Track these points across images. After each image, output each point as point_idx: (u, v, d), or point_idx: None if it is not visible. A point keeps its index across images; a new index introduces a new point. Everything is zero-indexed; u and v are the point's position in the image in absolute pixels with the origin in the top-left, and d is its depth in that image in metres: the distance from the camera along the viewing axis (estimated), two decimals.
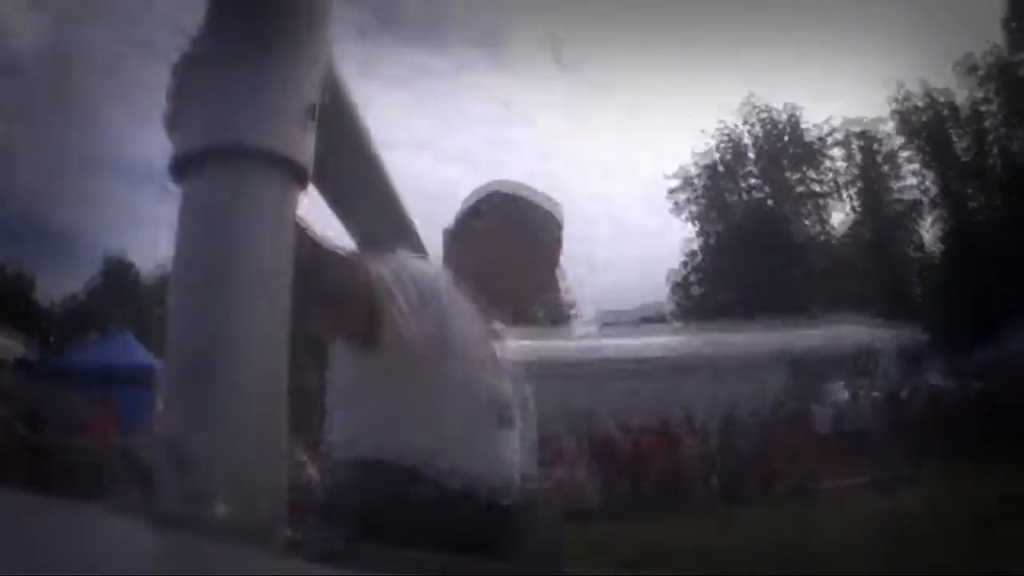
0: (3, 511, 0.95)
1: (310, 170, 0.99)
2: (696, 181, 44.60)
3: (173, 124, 1.02)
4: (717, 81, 70.92)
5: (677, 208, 44.53)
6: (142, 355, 16.73)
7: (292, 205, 0.98)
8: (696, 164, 44.59)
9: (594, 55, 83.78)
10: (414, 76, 78.36)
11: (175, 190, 0.94)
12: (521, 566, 1.60)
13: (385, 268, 1.60)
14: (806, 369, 20.80)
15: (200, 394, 0.86)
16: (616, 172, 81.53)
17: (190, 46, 1.01)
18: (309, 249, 1.28)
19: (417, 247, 1.98)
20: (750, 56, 67.49)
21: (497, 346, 1.88)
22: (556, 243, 2.03)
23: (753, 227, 41.70)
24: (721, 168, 44.47)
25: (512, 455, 1.78)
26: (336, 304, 1.51)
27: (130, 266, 48.07)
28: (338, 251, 1.51)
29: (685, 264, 44.42)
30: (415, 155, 59.76)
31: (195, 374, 0.86)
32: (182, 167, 0.94)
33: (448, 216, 2.03)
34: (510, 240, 1.97)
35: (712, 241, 44.03)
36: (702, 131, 44.58)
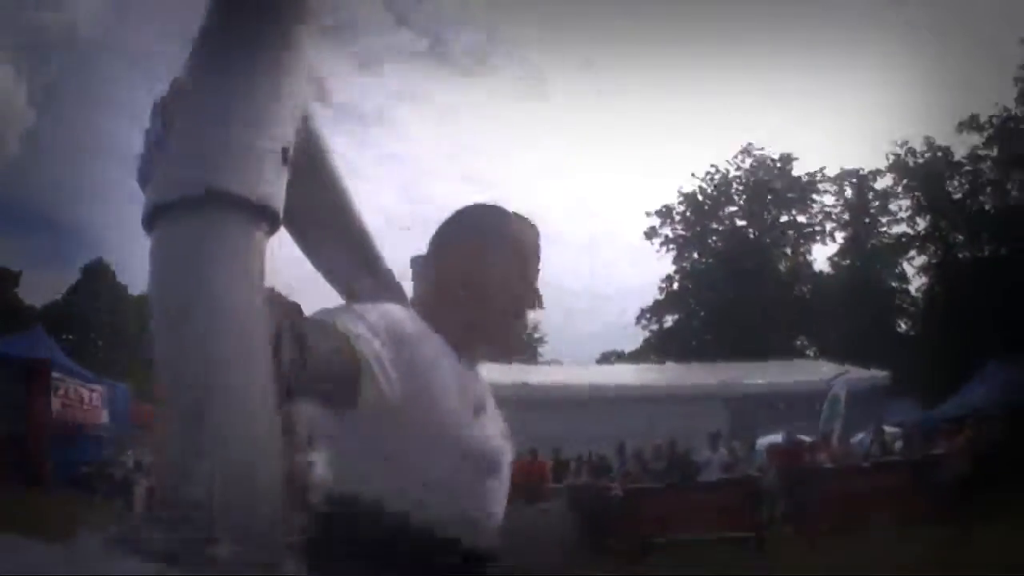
0: (3, 555, 0.90)
1: (280, 212, 0.98)
2: (676, 215, 44.29)
3: (147, 175, 1.01)
4: (715, 131, 71.35)
5: (655, 236, 44.14)
6: (47, 350, 17.22)
7: (262, 245, 0.97)
8: (681, 199, 44.36)
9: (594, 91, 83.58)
10: None
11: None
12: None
13: (363, 331, 1.53)
14: (749, 408, 20.41)
15: (194, 434, 0.86)
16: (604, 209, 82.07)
17: (167, 93, 1.02)
18: (283, 319, 1.17)
19: (389, 284, 1.94)
20: (750, 104, 67.31)
21: (481, 388, 1.82)
22: (537, 252, 1.97)
23: (728, 257, 41.32)
24: (704, 200, 44.19)
25: (494, 504, 1.75)
26: (315, 374, 1.36)
27: (109, 272, 48.34)
28: (313, 320, 1.45)
29: (661, 290, 43.89)
30: None
31: (184, 420, 0.87)
32: (154, 217, 0.94)
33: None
34: (492, 251, 1.89)
35: (689, 270, 43.78)
36: (692, 174, 44.53)
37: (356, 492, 1.58)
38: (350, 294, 1.78)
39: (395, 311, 1.71)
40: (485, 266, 1.88)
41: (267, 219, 0.96)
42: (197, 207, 0.91)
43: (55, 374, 16.35)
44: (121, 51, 69.88)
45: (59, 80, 63.02)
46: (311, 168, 1.33)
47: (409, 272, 2.01)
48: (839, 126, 67.44)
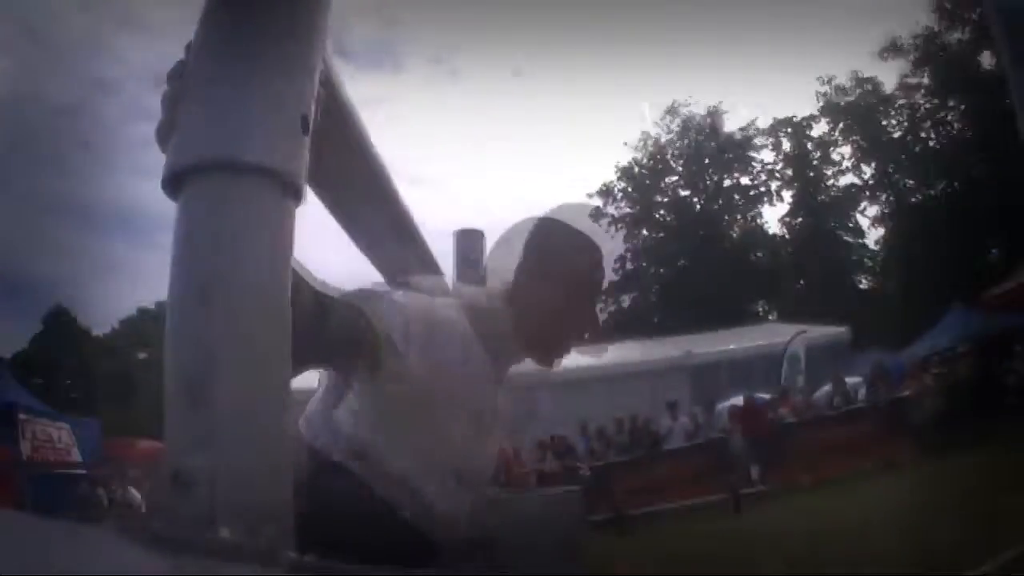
0: (3, 532, 0.87)
1: (304, 184, 0.98)
2: (618, 192, 44.19)
3: (166, 136, 1.00)
4: (638, 94, 71.28)
5: (601, 217, 43.95)
6: (12, 392, 17.18)
7: (288, 219, 0.97)
8: (619, 174, 44.31)
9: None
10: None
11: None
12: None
13: (387, 316, 1.59)
14: (709, 377, 20.19)
15: (200, 415, 0.86)
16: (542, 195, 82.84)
17: (185, 57, 1.01)
18: (308, 298, 1.32)
19: (425, 258, 2.04)
20: (670, 65, 67.38)
21: (494, 395, 1.86)
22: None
23: (677, 230, 41.23)
24: (643, 172, 44.00)
25: (458, 509, 1.80)
26: (338, 351, 1.55)
27: (72, 318, 48.99)
28: (340, 300, 1.52)
29: (615, 271, 43.58)
30: None
31: (194, 395, 0.86)
32: (176, 182, 0.93)
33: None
34: (577, 285, 1.91)
35: (639, 247, 43.48)
36: (624, 144, 44.46)
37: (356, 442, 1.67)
38: (388, 269, 1.90)
39: (422, 300, 1.74)
40: (567, 297, 1.88)
41: (291, 188, 0.94)
42: (218, 174, 0.91)
43: (22, 415, 16.24)
44: (44, 103, 69.33)
45: None
46: (337, 133, 1.36)
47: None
48: (759, 71, 67.29)
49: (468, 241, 3.32)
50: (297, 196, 0.95)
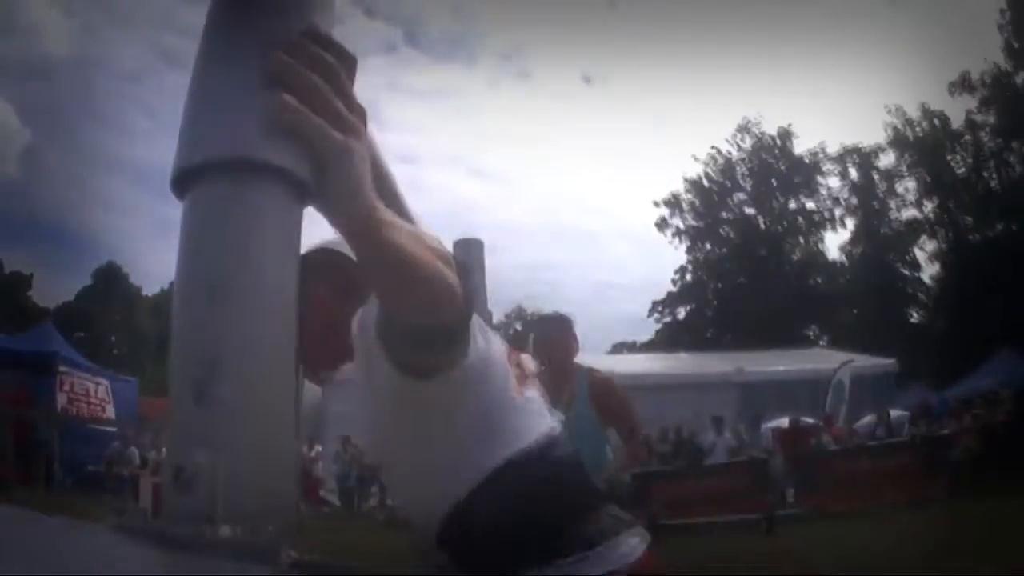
0: (3, 532, 0.89)
1: (312, 184, 0.94)
2: (685, 204, 44.35)
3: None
4: (706, 108, 71.07)
5: (666, 227, 44.21)
6: (55, 345, 17.20)
7: (296, 219, 0.94)
8: (687, 187, 44.38)
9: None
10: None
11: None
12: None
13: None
14: (757, 396, 20.22)
15: (204, 414, 0.84)
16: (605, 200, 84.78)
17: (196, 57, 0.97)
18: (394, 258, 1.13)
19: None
20: (744, 84, 66.99)
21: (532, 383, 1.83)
22: None
23: (740, 247, 41.38)
24: (711, 187, 44.16)
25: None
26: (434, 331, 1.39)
27: (122, 274, 49.08)
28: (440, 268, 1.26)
29: (674, 282, 44.02)
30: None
31: (199, 394, 0.85)
32: (184, 181, 0.92)
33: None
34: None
35: (702, 261, 43.78)
36: (694, 157, 44.58)
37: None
38: None
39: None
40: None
41: (298, 188, 0.93)
42: (226, 173, 0.89)
43: (62, 368, 16.39)
44: (106, 67, 70.50)
45: (51, 100, 63.79)
46: None
47: None
48: (832, 95, 66.96)
49: (466, 251, 3.26)
50: (305, 196, 0.94)
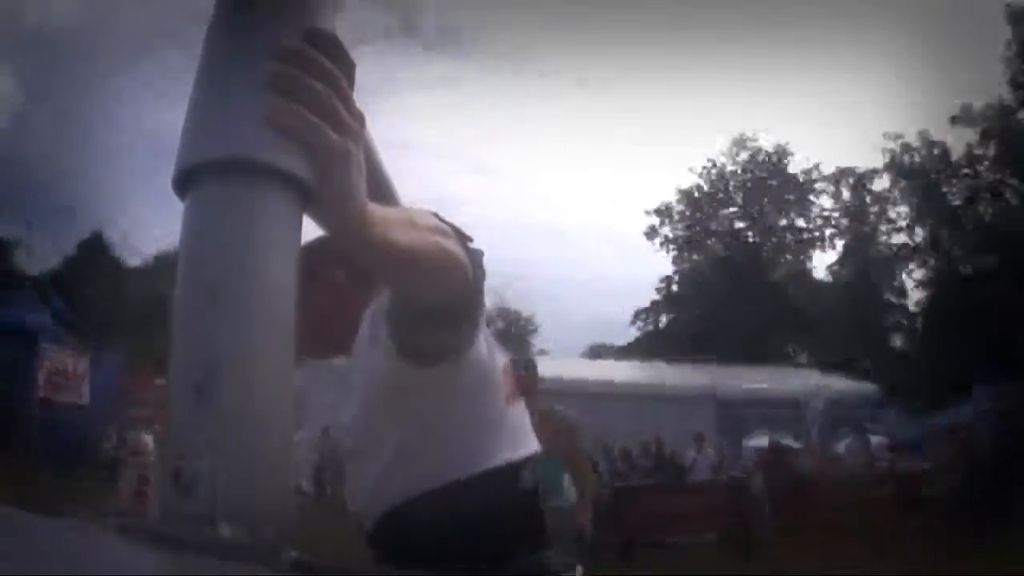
0: (2, 532, 0.92)
1: (313, 185, 0.93)
2: (676, 214, 44.55)
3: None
4: (710, 122, 71.58)
5: (655, 236, 44.38)
6: (36, 318, 17.20)
7: (297, 221, 0.93)
8: (679, 196, 44.59)
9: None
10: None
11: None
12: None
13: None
14: (734, 411, 20.43)
15: (204, 415, 0.84)
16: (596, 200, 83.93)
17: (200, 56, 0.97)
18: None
19: None
20: (745, 100, 67.39)
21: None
22: None
23: (727, 260, 41.72)
24: (703, 198, 44.40)
25: None
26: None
27: (109, 245, 48.82)
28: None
29: (659, 291, 44.28)
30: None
31: (199, 395, 0.85)
32: (185, 181, 0.92)
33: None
34: None
35: (687, 270, 43.99)
36: (689, 169, 44.79)
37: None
38: None
39: None
40: None
41: (300, 190, 0.92)
42: (227, 173, 0.89)
43: (43, 343, 16.17)
44: (108, 36, 70.36)
45: (49, 64, 63.64)
46: None
47: None
48: (831, 117, 67.77)
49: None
50: (305, 198, 0.93)
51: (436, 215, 1.31)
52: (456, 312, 1.40)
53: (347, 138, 0.91)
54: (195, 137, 0.91)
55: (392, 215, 1.13)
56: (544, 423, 4.88)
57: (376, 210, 1.03)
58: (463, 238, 1.36)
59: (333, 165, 0.90)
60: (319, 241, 1.03)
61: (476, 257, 1.37)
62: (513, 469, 1.64)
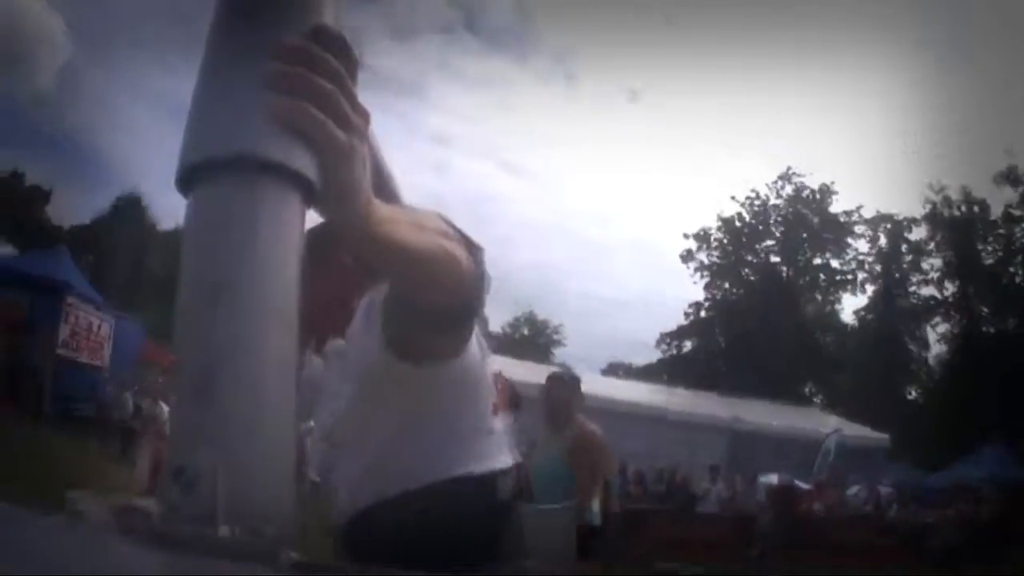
0: (2, 531, 0.89)
1: (317, 183, 0.92)
2: (714, 241, 44.60)
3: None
4: (757, 150, 71.41)
5: (690, 259, 44.49)
6: (66, 272, 16.69)
7: (300, 219, 0.92)
8: (719, 224, 44.62)
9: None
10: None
11: None
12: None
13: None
14: (746, 446, 20.49)
15: (206, 414, 0.83)
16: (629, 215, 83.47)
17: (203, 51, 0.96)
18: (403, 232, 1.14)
19: None
20: (795, 132, 67.62)
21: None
22: None
23: (758, 293, 41.70)
24: (742, 228, 44.41)
25: None
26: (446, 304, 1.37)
27: (141, 207, 48.58)
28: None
29: (687, 315, 44.25)
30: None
31: (201, 393, 0.83)
32: (189, 178, 0.90)
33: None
34: None
35: (718, 299, 43.98)
36: (732, 198, 44.79)
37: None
38: None
39: None
40: None
41: (303, 187, 0.91)
42: (231, 171, 0.88)
43: (69, 299, 15.78)
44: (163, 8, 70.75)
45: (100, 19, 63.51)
46: None
47: None
48: (877, 159, 67.55)
49: None
50: (310, 195, 0.93)
51: (442, 217, 1.32)
52: (451, 316, 1.40)
53: (352, 135, 0.91)
54: (199, 134, 0.91)
55: (398, 214, 1.12)
56: (582, 435, 5.39)
57: (381, 208, 1.03)
58: (468, 243, 1.35)
59: (338, 162, 0.91)
60: (327, 224, 1.03)
61: (479, 263, 1.37)
62: (492, 478, 1.64)
